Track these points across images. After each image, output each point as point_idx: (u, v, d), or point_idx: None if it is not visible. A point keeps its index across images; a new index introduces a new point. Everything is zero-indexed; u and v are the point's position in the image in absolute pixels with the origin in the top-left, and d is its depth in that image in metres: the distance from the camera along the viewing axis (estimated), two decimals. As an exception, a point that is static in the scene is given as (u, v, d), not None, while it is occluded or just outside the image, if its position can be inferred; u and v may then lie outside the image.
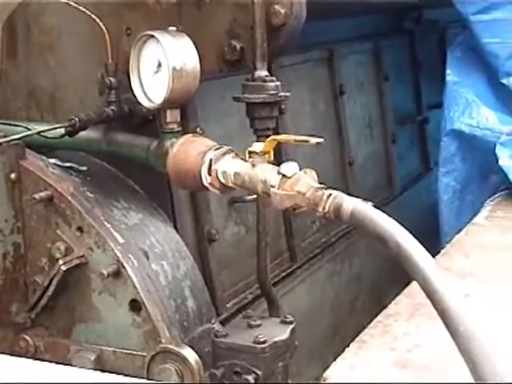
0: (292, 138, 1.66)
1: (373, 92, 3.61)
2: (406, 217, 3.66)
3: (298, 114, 2.89)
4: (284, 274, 2.70)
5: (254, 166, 1.66)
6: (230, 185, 1.72)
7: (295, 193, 1.56)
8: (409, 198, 3.81)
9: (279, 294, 2.60)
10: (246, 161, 1.70)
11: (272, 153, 1.68)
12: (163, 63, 1.80)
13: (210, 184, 1.74)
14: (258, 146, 1.67)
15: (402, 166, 3.81)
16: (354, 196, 3.18)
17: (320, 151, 3.01)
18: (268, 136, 1.93)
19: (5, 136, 1.96)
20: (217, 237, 2.29)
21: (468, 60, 3.42)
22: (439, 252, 2.46)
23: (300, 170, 1.61)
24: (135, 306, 1.88)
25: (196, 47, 1.85)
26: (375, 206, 1.48)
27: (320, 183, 1.58)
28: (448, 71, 3.43)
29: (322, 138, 1.59)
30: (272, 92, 1.89)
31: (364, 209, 1.45)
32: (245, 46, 1.94)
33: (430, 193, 3.90)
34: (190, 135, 1.84)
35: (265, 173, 1.64)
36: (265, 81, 1.89)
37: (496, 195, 2.89)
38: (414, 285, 2.01)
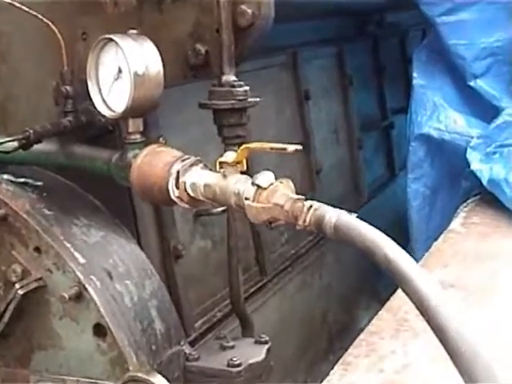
0: (267, 145, 1.53)
1: (337, 97, 3.50)
2: (375, 224, 3.60)
3: (263, 121, 2.77)
4: (253, 289, 2.58)
5: (225, 176, 1.54)
6: (200, 198, 1.59)
7: (272, 205, 1.44)
8: (376, 205, 3.71)
9: (250, 309, 2.49)
10: (216, 171, 1.58)
11: (245, 162, 1.55)
12: (124, 69, 1.67)
13: (178, 198, 1.61)
14: (229, 156, 1.54)
15: (368, 172, 3.72)
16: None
17: (286, 159, 2.89)
18: (237, 144, 1.82)
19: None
20: (183, 252, 2.16)
21: (434, 63, 3.34)
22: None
23: (276, 179, 1.49)
24: (100, 330, 1.74)
25: (158, 52, 1.72)
26: (360, 218, 1.37)
27: (297, 193, 1.46)
28: (414, 74, 3.34)
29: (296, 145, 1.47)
30: (241, 97, 1.77)
31: (348, 221, 1.34)
32: (210, 50, 1.82)
33: (396, 199, 3.82)
34: (154, 145, 1.71)
35: (238, 184, 1.51)
36: (233, 86, 1.77)
37: (469, 201, 2.80)
38: (394, 299, 1.92)
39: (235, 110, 1.77)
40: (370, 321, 3.36)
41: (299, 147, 1.46)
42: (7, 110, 2.09)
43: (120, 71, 1.69)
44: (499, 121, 2.95)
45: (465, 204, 2.77)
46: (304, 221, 1.38)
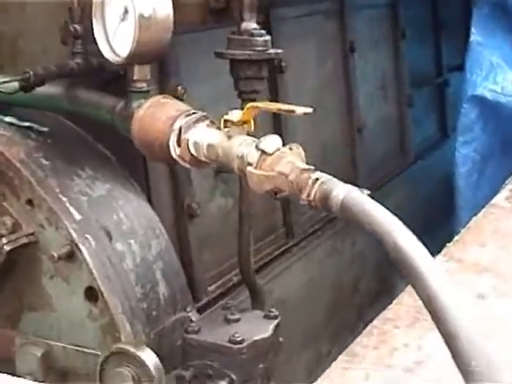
0: (275, 106, 1.36)
1: (388, 50, 3.27)
2: (420, 188, 3.41)
3: (302, 73, 2.58)
4: (278, 251, 2.42)
5: (229, 137, 1.37)
6: (203, 158, 1.43)
7: (276, 174, 1.27)
8: (423, 167, 3.50)
9: (273, 273, 2.35)
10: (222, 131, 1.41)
11: (252, 123, 1.38)
12: (130, 9, 1.50)
13: (180, 157, 1.45)
14: (235, 114, 1.37)
15: (417, 132, 3.50)
16: (362, 165, 2.91)
17: (326, 115, 2.71)
18: (255, 100, 1.65)
19: None
20: (198, 212, 2.00)
21: (495, 18, 3.10)
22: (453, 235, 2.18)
23: (284, 145, 1.32)
24: (91, 294, 1.60)
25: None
26: (370, 196, 1.19)
27: (307, 163, 1.29)
28: (473, 30, 3.11)
29: (311, 108, 1.29)
30: (260, 48, 1.59)
31: (357, 199, 1.16)
32: (231, -7, 1.64)
33: (446, 162, 3.60)
34: (160, 96, 1.55)
35: (242, 147, 1.34)
36: (252, 34, 1.60)
37: (519, 172, 2.59)
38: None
39: (253, 62, 1.60)
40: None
41: (309, 110, 1.28)
42: (18, 46, 1.94)
43: (126, 12, 1.52)
44: (560, 86, 2.71)
45: (513, 175, 2.56)
46: (308, 195, 1.21)
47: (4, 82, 1.70)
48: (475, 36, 3.10)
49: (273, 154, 1.28)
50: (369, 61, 3.07)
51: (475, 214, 2.16)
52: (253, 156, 1.31)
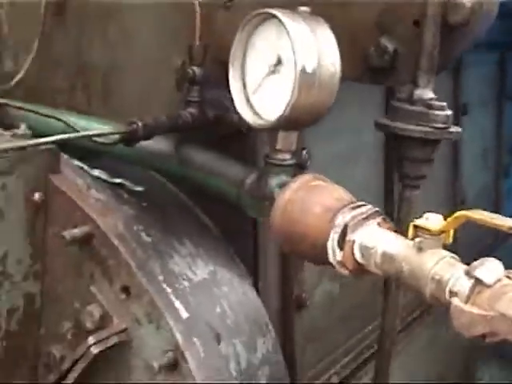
0: (494, 220, 1.00)
1: (493, 113, 2.93)
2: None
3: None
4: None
5: (420, 249, 1.02)
6: (373, 269, 1.08)
7: (497, 314, 0.92)
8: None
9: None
10: (403, 237, 1.06)
11: (452, 234, 1.03)
12: (286, 60, 1.17)
13: (341, 263, 1.10)
14: (433, 221, 1.02)
15: (509, 203, 3.14)
16: (461, 245, 2.55)
17: (433, 186, 2.36)
18: (418, 187, 1.31)
19: (34, 135, 1.34)
20: (307, 302, 1.66)
21: None
22: None
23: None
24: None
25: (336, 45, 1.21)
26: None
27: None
28: None
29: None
30: (440, 125, 1.25)
31: None
32: (400, 49, 1.29)
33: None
34: (309, 176, 1.20)
35: (439, 267, 0.99)
36: (430, 106, 1.25)
37: None
38: None
39: (427, 142, 1.25)
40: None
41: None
42: (110, 82, 1.61)
43: (280, 62, 1.18)
44: None
45: None
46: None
47: (105, 134, 1.35)
48: None
49: (493, 285, 0.93)
50: (476, 125, 2.72)
51: None
52: (462, 285, 0.95)
